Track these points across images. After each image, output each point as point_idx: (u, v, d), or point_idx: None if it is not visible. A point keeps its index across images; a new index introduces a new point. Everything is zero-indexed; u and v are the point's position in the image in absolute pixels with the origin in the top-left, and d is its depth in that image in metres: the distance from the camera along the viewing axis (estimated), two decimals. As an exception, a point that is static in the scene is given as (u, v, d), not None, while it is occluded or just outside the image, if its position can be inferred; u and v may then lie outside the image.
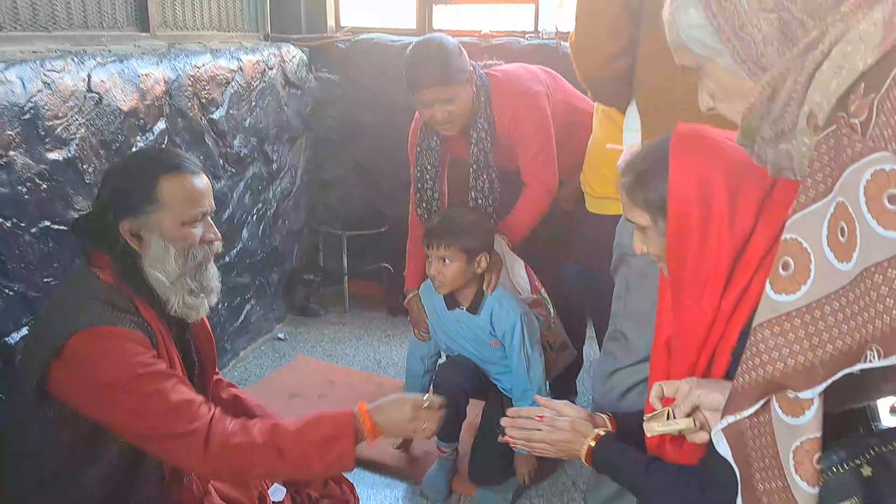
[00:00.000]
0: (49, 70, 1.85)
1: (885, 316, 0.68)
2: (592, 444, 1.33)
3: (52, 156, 1.86)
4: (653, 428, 1.16)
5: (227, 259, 2.81)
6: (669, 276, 1.19)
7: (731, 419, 0.87)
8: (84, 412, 1.34)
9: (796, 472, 0.81)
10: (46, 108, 1.83)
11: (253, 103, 2.88)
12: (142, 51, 2.30)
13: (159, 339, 1.43)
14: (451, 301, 2.11)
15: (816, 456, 0.80)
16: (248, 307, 3.04)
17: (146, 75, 2.23)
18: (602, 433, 1.35)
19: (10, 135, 1.73)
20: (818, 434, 0.79)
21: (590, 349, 2.71)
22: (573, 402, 2.07)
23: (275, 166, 3.11)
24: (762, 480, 0.87)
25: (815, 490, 0.81)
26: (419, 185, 2.28)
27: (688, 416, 1.12)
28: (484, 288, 2.07)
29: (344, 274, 3.47)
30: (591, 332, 2.56)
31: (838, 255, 0.74)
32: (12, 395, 1.48)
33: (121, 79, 2.12)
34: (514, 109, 2.14)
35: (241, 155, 2.83)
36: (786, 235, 0.80)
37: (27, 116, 1.77)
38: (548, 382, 2.36)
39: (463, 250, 1.98)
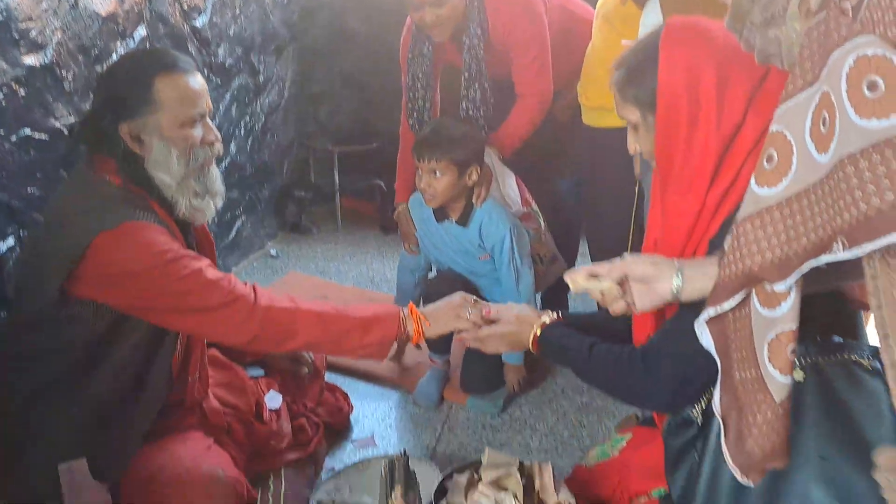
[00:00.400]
0: (19, -32, 1.76)
1: (852, 208, 0.67)
2: (538, 331, 1.38)
3: (28, 61, 1.79)
4: (575, 280, 1.18)
5: (222, 183, 2.77)
6: (659, 173, 1.18)
7: (712, 311, 0.90)
8: (119, 305, 1.37)
9: (770, 361, 0.83)
10: (18, 9, 1.74)
11: (237, 10, 2.77)
12: (117, -49, 2.19)
13: (176, 235, 1.45)
14: (441, 214, 2.09)
15: (791, 347, 0.81)
16: (238, 223, 3.02)
17: (123, -23, 2.12)
18: (547, 321, 1.39)
19: (-17, 37, 1.66)
20: (794, 326, 0.80)
21: (582, 264, 2.72)
22: None
23: (261, 78, 3.03)
24: (739, 370, 0.89)
25: (787, 380, 0.83)
26: (410, 94, 2.23)
27: (617, 283, 1.13)
28: (473, 201, 2.05)
29: (335, 191, 3.44)
30: (583, 247, 2.56)
31: (818, 147, 0.72)
32: (23, 299, 1.48)
33: (96, -20, 2.02)
34: (509, 14, 2.06)
35: (227, 65, 2.74)
36: (772, 127, 0.79)
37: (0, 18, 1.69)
38: (538, 296, 2.38)
39: (454, 163, 1.94)
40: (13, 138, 1.77)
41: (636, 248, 2.13)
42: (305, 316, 1.44)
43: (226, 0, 2.68)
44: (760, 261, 0.80)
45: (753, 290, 0.84)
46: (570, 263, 2.50)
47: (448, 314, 1.54)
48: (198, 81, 1.44)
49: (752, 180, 0.82)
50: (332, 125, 3.53)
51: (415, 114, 2.23)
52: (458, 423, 2.12)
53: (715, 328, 0.92)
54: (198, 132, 1.44)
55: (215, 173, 1.53)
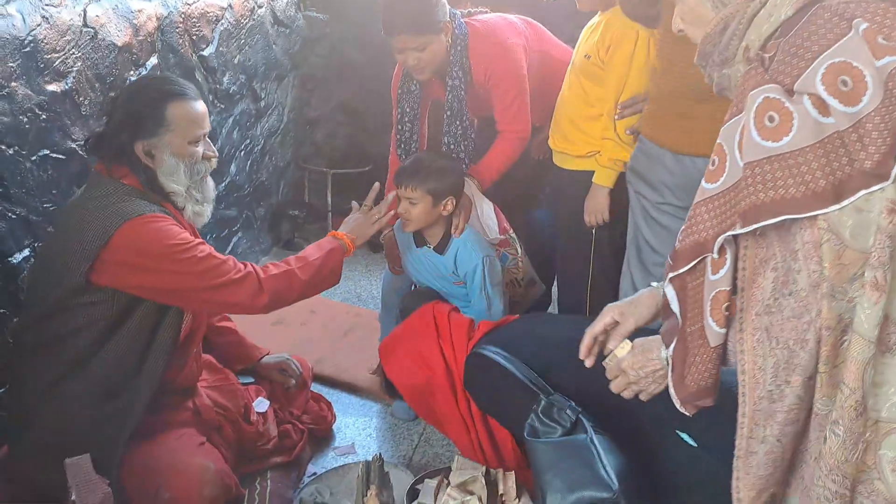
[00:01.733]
0: (47, 4, 1.93)
1: (747, 198, 0.95)
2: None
3: (51, 88, 1.96)
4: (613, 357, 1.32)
5: (215, 192, 2.93)
6: None
7: (672, 274, 1.13)
8: (142, 289, 1.59)
9: (710, 315, 1.06)
10: (45, 41, 1.92)
11: (242, 41, 2.95)
12: (134, -14, 2.37)
13: (187, 230, 1.69)
14: (420, 239, 2.25)
15: (725, 304, 1.05)
16: (235, 239, 3.17)
17: (139, 11, 2.30)
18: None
19: (12, 67, 1.82)
20: (727, 288, 1.04)
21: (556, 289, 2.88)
22: None
23: (262, 103, 3.20)
24: (689, 323, 1.12)
25: (722, 330, 1.06)
26: (399, 127, 2.40)
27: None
28: (452, 231, 2.20)
29: (328, 210, 3.60)
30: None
31: (740, 155, 0.99)
32: (42, 292, 1.66)
33: (115, 14, 2.20)
34: (489, 60, 2.24)
35: (230, 91, 2.91)
36: (718, 140, 1.04)
37: (27, 49, 1.86)
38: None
39: (429, 193, 2.09)
40: (33, 158, 1.93)
41: (596, 286, 2.31)
42: (294, 273, 1.77)
43: (232, 31, 2.86)
44: (704, 235, 1.05)
45: (708, 259, 1.07)
46: (549, 286, 2.67)
47: (364, 223, 2.05)
48: (202, 106, 1.73)
49: (703, 179, 1.07)
50: (328, 148, 3.71)
51: (402, 145, 2.40)
52: (434, 435, 2.25)
53: (678, 288, 1.14)
54: (200, 149, 1.71)
55: (210, 183, 1.81)
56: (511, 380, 1.77)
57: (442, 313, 2.04)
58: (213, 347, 2.06)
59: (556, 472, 1.43)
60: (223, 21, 2.79)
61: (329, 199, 3.58)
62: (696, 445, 1.58)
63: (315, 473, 2.02)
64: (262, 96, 3.19)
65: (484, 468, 1.61)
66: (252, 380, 2.10)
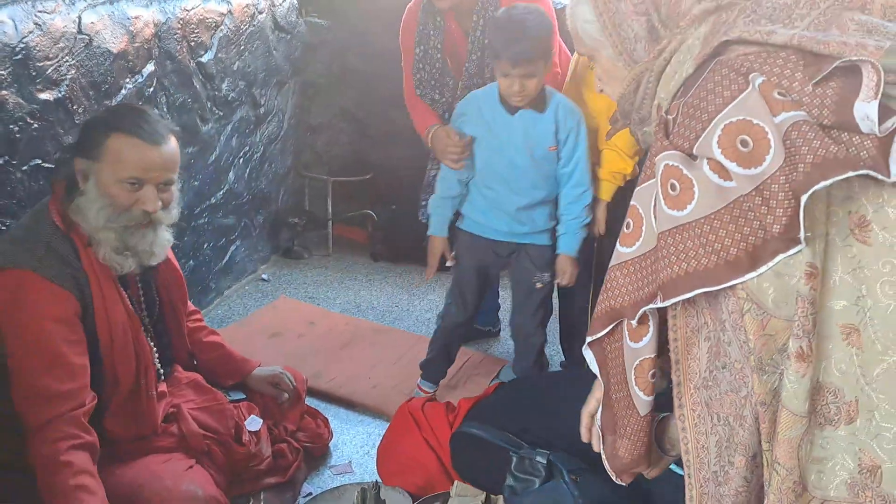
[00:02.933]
0: (40, 11, 1.88)
1: (665, 270, 0.89)
2: None
3: (43, 96, 1.92)
4: None
5: (213, 200, 2.89)
6: None
7: (589, 339, 1.08)
8: None
9: (636, 383, 1.01)
10: (37, 48, 1.87)
11: (242, 47, 2.90)
12: (132, -8, 2.32)
13: (95, 287, 1.54)
14: (512, 107, 2.06)
15: (651, 372, 0.99)
16: (233, 248, 3.13)
17: (136, 18, 2.26)
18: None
19: (3, 74, 1.78)
20: (652, 355, 0.99)
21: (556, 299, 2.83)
22: None
23: (262, 110, 3.16)
24: (614, 390, 1.07)
25: (649, 398, 1.01)
26: (419, 66, 2.33)
27: None
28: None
29: (328, 218, 3.56)
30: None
31: (655, 221, 0.94)
32: None
33: (111, 21, 2.15)
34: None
35: (229, 98, 2.87)
36: (632, 202, 0.99)
37: (19, 57, 1.82)
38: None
39: (542, 57, 1.96)
40: (24, 168, 1.89)
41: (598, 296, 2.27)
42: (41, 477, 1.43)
43: (231, 37, 2.82)
44: (620, 301, 1.00)
45: (624, 327, 1.02)
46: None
47: None
48: (158, 153, 1.55)
49: (618, 241, 1.02)
50: (328, 156, 3.66)
51: (424, 84, 2.34)
52: (432, 453, 2.22)
53: (598, 353, 1.09)
54: (134, 195, 1.54)
55: (149, 237, 1.59)
56: (486, 445, 1.79)
57: (416, 409, 2.05)
58: (199, 365, 1.99)
59: None
60: (223, 27, 2.75)
61: (329, 207, 3.54)
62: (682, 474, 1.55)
63: (311, 494, 1.97)
64: (262, 103, 3.14)
65: (484, 494, 1.56)
66: (243, 395, 2.04)
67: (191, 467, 1.64)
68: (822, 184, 0.77)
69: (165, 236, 1.64)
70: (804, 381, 0.83)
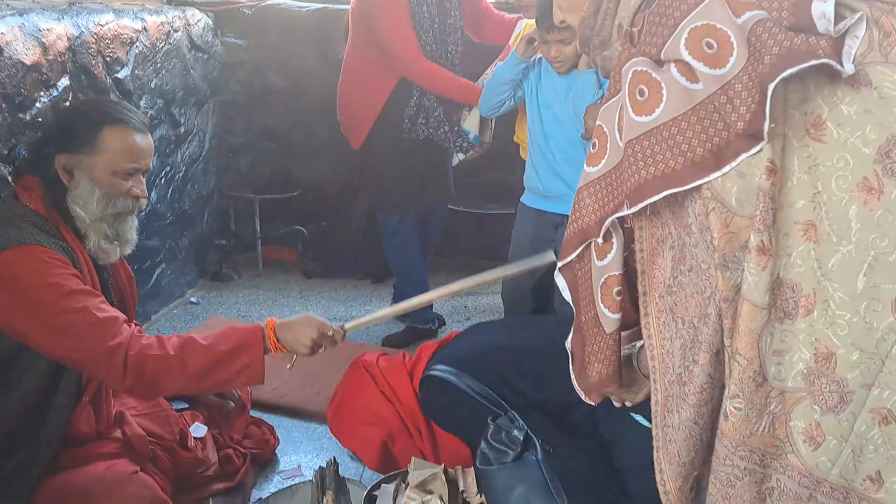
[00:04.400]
0: (-53, 18, 1.82)
1: (631, 179, 0.92)
2: None
3: (-47, 106, 1.84)
4: None
5: (136, 235, 2.81)
6: None
7: (560, 263, 1.10)
8: (7, 330, 1.41)
9: (601, 302, 1.04)
10: (-55, 56, 1.80)
11: (158, 65, 2.86)
12: (41, 6, 2.26)
13: (82, 264, 1.50)
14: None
15: (616, 289, 1.02)
16: (158, 270, 3.03)
17: (48, 30, 2.20)
18: None
19: None
20: (617, 272, 1.01)
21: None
22: None
23: (182, 129, 3.11)
24: (583, 312, 1.09)
25: (615, 316, 1.03)
26: (424, 35, 2.48)
27: None
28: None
29: (257, 238, 3.51)
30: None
31: (620, 136, 0.97)
32: None
33: (21, 32, 2.09)
34: None
35: (148, 116, 2.81)
36: (597, 122, 1.03)
37: (-75, 64, 1.74)
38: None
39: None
40: (-65, 181, 1.80)
41: None
42: (170, 363, 1.45)
43: (147, 55, 2.78)
44: (588, 220, 1.03)
45: (592, 247, 1.05)
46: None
47: (304, 327, 1.55)
48: (145, 140, 1.60)
49: (585, 162, 1.05)
50: (253, 175, 3.62)
51: (431, 43, 2.51)
52: (383, 450, 2.20)
53: (569, 277, 1.11)
54: (128, 183, 1.57)
55: (132, 223, 1.64)
56: (465, 399, 1.77)
57: (371, 363, 2.02)
58: None
59: (510, 500, 1.43)
60: (138, 44, 2.70)
61: (257, 226, 3.49)
62: (649, 426, 1.60)
63: (260, 498, 1.91)
64: (182, 122, 3.09)
65: (442, 466, 1.56)
66: (186, 405, 1.98)
67: (136, 472, 1.57)
68: (789, 71, 0.82)
69: (135, 224, 1.66)
70: (764, 273, 0.87)
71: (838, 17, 0.84)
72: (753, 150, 0.85)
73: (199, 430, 1.86)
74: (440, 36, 2.53)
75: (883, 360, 0.87)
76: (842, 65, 0.83)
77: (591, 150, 1.03)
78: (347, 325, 1.60)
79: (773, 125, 0.84)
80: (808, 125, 0.87)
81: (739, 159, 0.86)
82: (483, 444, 1.55)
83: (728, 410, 0.93)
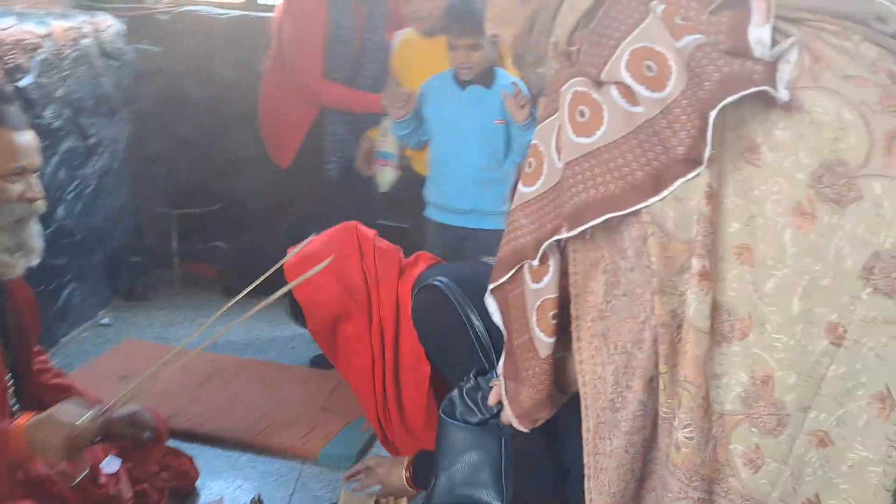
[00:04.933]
0: None
1: (572, 199, 0.91)
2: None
3: None
4: None
5: (41, 241, 2.62)
6: None
7: (491, 286, 1.07)
8: None
9: (537, 325, 1.01)
10: None
11: (66, 72, 2.70)
12: (-69, 7, 2.10)
13: None
14: (463, 83, 2.21)
15: (552, 312, 1.00)
16: (66, 291, 2.85)
17: (-61, 33, 2.03)
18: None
19: None
20: (554, 295, 1.00)
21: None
22: None
23: (92, 140, 2.93)
24: (515, 336, 1.06)
25: (551, 339, 1.01)
26: (337, 57, 2.47)
27: None
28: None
29: (173, 255, 3.35)
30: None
31: (558, 156, 0.96)
32: None
33: None
34: None
35: (54, 127, 2.64)
36: (533, 141, 1.01)
37: None
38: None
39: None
40: None
41: None
42: None
43: (53, 62, 2.61)
44: (523, 241, 1.00)
45: (526, 269, 1.02)
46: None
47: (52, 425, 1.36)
48: (24, 137, 1.46)
49: (520, 181, 1.03)
50: (170, 188, 3.46)
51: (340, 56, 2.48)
52: (311, 477, 2.11)
53: (500, 301, 1.09)
54: (17, 187, 1.44)
55: (34, 230, 1.52)
56: (463, 332, 1.60)
57: (366, 236, 1.82)
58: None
59: (459, 461, 1.36)
60: (42, 50, 2.54)
61: (174, 242, 3.33)
62: None
63: (180, 535, 1.80)
64: (92, 133, 2.92)
65: (374, 498, 1.50)
66: (98, 438, 1.84)
67: (41, 516, 1.44)
68: (729, 99, 0.82)
69: (38, 229, 1.53)
70: (707, 298, 0.87)
71: (773, 42, 0.85)
72: (691, 175, 0.85)
73: (111, 464, 1.74)
74: (358, 58, 2.51)
75: (819, 382, 0.88)
76: (777, 90, 0.83)
77: (527, 170, 1.01)
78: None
79: (714, 151, 0.84)
80: (743, 149, 0.88)
81: (677, 183, 0.86)
82: (455, 393, 1.43)
83: (680, 441, 0.92)
